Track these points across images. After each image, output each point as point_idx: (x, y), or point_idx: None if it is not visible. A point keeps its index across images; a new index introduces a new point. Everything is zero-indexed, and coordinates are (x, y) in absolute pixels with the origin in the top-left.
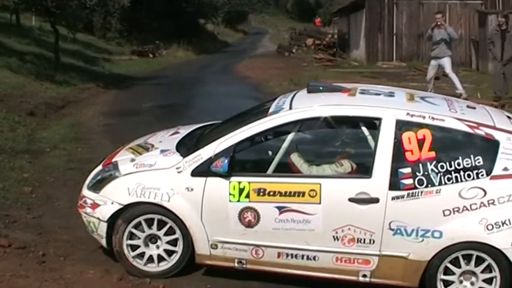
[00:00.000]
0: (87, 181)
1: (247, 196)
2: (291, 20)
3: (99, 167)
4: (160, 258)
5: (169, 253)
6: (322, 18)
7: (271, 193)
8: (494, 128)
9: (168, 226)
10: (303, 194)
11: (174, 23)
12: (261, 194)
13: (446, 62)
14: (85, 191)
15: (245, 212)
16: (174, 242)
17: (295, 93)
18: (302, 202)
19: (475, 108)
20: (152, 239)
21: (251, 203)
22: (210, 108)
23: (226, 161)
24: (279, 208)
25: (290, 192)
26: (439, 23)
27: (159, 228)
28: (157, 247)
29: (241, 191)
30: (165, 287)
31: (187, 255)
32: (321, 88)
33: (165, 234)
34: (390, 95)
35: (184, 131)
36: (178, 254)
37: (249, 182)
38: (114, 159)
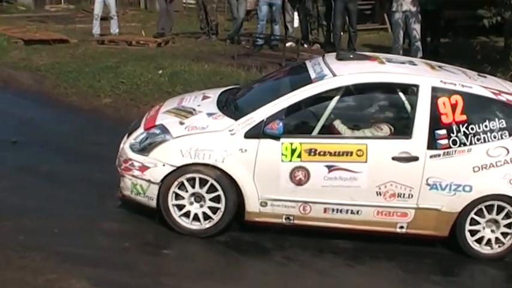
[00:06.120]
0: (130, 144)
1: (299, 156)
2: None
3: (141, 130)
4: (206, 217)
5: (214, 211)
6: None
7: (322, 153)
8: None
9: (209, 184)
10: (351, 153)
11: None
12: (312, 154)
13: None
14: (131, 154)
15: (296, 171)
16: (217, 199)
17: (325, 60)
18: (350, 161)
19: (485, 77)
20: (197, 197)
21: (302, 163)
22: None
23: (281, 123)
24: (328, 167)
25: (339, 152)
26: None
27: (201, 187)
28: (201, 206)
29: (293, 151)
30: None
31: (231, 214)
32: (351, 56)
33: (207, 192)
34: (413, 63)
35: (212, 94)
36: (222, 210)
37: (300, 143)
38: (158, 122)
